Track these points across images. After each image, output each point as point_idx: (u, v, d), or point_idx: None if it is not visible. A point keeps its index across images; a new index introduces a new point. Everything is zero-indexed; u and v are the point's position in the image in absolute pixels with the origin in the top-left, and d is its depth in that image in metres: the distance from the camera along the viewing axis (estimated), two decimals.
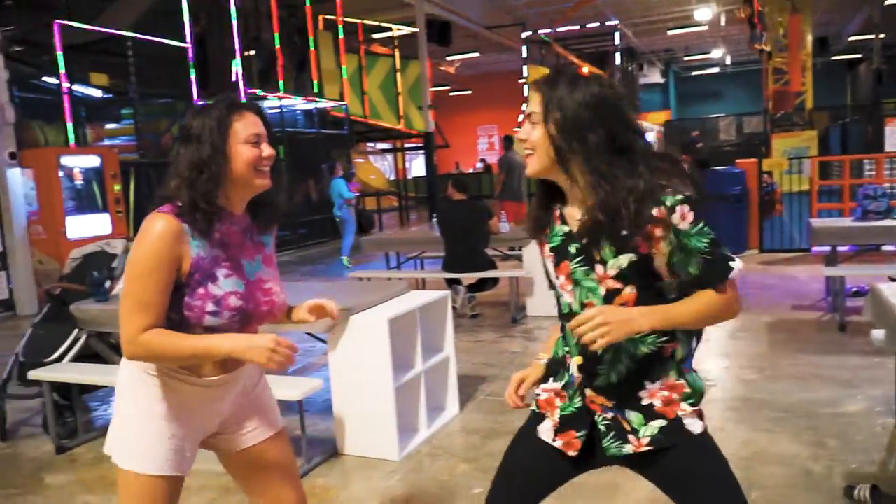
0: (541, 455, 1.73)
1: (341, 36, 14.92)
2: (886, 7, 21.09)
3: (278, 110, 13.55)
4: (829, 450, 3.43)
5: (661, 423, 1.59)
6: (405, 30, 17.34)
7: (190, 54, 11.30)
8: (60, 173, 8.58)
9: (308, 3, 13.75)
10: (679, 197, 1.49)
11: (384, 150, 23.52)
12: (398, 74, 17.50)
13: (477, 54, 24.22)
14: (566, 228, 1.63)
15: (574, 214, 1.61)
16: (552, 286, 1.71)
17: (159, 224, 1.70)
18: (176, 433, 1.81)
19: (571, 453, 1.69)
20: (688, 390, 1.61)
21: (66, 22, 9.16)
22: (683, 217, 1.49)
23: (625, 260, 1.52)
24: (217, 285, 1.74)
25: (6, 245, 8.57)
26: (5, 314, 8.57)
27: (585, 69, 23.02)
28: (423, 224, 16.80)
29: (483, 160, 27.76)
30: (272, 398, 2.07)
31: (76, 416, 4.27)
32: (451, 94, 30.66)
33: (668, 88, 35.69)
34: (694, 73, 35.89)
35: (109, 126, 11.74)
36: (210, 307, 1.72)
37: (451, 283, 6.92)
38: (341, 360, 3.67)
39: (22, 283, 8.62)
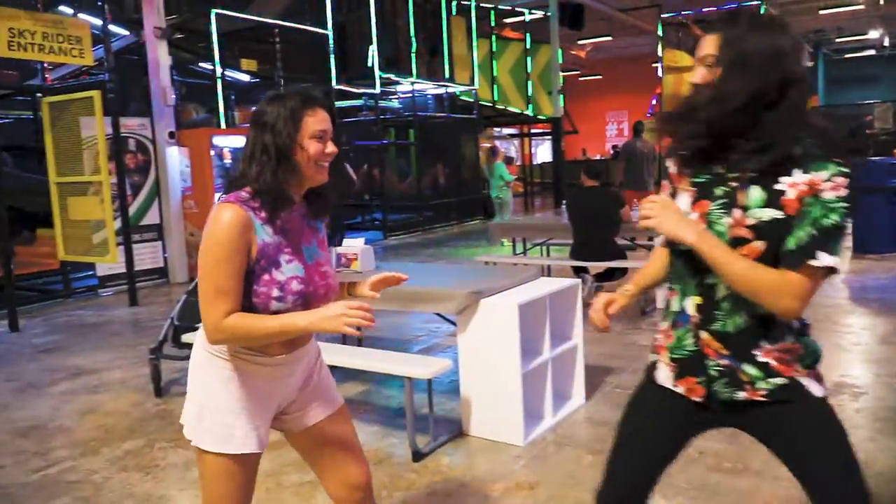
0: (664, 404, 1.69)
1: (474, 21, 14.93)
2: None
3: (410, 95, 13.78)
4: None
5: (780, 380, 1.57)
6: (537, 13, 17.12)
7: (330, 41, 11.68)
8: (212, 153, 9.14)
9: None
10: (843, 169, 1.45)
11: (511, 136, 23.44)
12: (528, 59, 17.35)
13: (609, 38, 23.57)
14: (719, 169, 1.58)
15: (733, 157, 1.55)
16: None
17: (227, 214, 1.74)
18: (249, 412, 1.86)
19: (696, 399, 1.64)
20: (803, 352, 1.59)
21: (221, 11, 9.71)
22: (835, 188, 1.44)
23: (768, 214, 1.49)
24: (280, 271, 1.78)
25: (162, 217, 9.24)
26: (160, 281, 9.27)
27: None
28: (547, 210, 16.64)
29: (614, 146, 27.03)
30: (330, 378, 2.11)
31: None
32: (581, 78, 30.04)
33: (816, 72, 33.33)
34: (847, 56, 33.25)
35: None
36: (275, 293, 1.77)
37: (579, 272, 6.81)
38: (470, 343, 3.70)
39: (175, 253, 9.29)
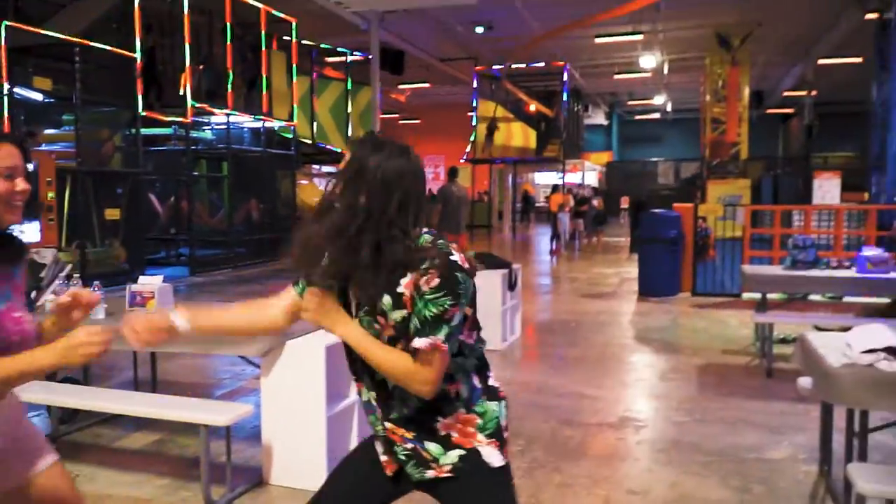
0: (371, 465, 1.83)
1: (294, 57, 14.83)
2: (819, 66, 22.18)
3: (224, 127, 13.33)
4: (754, 495, 3.47)
5: (459, 451, 1.71)
6: (359, 55, 17.37)
7: (138, 65, 11.05)
8: None
9: (262, 22, 13.64)
10: (435, 261, 1.61)
11: (330, 174, 23.39)
12: (349, 99, 17.49)
13: (428, 85, 24.44)
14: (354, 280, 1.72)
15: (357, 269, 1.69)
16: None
17: None
18: None
19: (388, 473, 1.80)
20: (480, 421, 1.72)
21: (13, 24, 8.86)
22: (429, 281, 1.60)
23: (398, 315, 1.64)
24: None
25: None
26: None
27: (532, 107, 23.49)
28: None
29: (429, 190, 27.89)
30: (37, 430, 1.99)
31: None
32: (401, 122, 30.82)
33: (611, 130, 36.69)
34: (637, 118, 36.98)
35: (49, 131, 11.34)
36: None
37: None
38: (274, 386, 3.56)
39: None
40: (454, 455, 1.70)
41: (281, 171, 15.23)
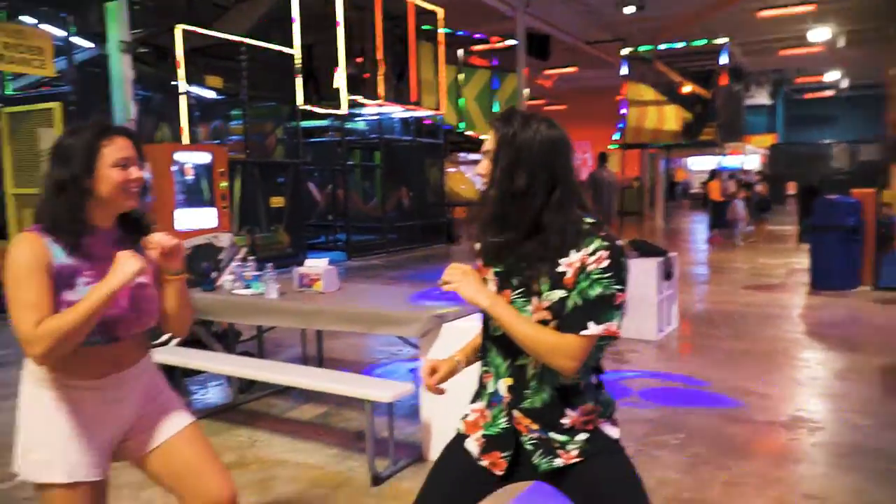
0: (468, 470, 1.82)
1: (441, 47, 15.08)
2: None
3: (376, 117, 13.81)
4: None
5: (583, 435, 1.73)
6: (504, 42, 17.37)
7: (297, 61, 11.68)
8: (174, 168, 9.02)
9: (410, 14, 13.97)
10: (605, 243, 1.61)
11: (476, 161, 23.62)
12: (495, 86, 17.55)
13: (575, 69, 24.00)
14: (511, 260, 1.72)
15: (518, 247, 1.71)
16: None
17: (20, 240, 1.86)
18: (79, 440, 1.91)
19: (498, 472, 1.78)
20: (602, 409, 1.76)
21: (187, 27, 9.64)
22: (598, 261, 1.60)
23: (557, 295, 1.64)
24: (74, 291, 1.85)
25: None
26: None
27: (687, 88, 22.45)
28: None
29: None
30: (174, 395, 2.15)
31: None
32: (547, 108, 30.49)
33: (775, 110, 34.30)
34: (806, 96, 34.26)
35: (220, 126, 12.27)
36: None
37: None
38: None
39: None
40: (580, 439, 1.72)
41: (429, 160, 15.59)
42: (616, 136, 21.88)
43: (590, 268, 1.60)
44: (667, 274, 6.67)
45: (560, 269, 1.63)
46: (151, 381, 2.10)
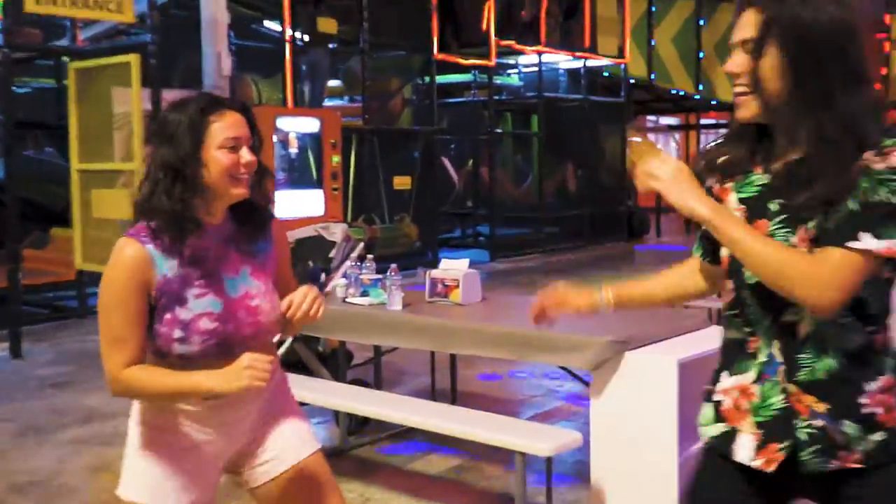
0: (742, 493, 1.79)
1: None
2: None
3: (535, 69, 13.80)
4: None
5: (880, 435, 1.66)
6: None
7: None
8: (275, 138, 9.41)
9: None
10: None
11: (671, 127, 23.11)
12: (702, 21, 17.07)
13: None
14: (766, 179, 1.72)
15: (787, 164, 1.69)
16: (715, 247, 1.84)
17: (121, 252, 2.03)
18: (181, 469, 2.17)
19: (771, 470, 1.72)
20: None
21: None
22: (886, 158, 1.57)
23: (832, 216, 1.61)
24: (186, 308, 2.04)
25: None
26: None
27: None
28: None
29: None
30: (300, 416, 2.40)
31: None
32: None
33: None
34: None
35: (332, 83, 12.68)
36: (177, 333, 2.04)
37: None
38: (607, 411, 3.60)
39: None
40: (874, 439, 1.66)
41: (606, 126, 15.41)
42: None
43: (876, 166, 1.58)
44: None
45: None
46: (274, 393, 2.32)
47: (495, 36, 12.55)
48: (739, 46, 1.69)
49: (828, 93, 1.61)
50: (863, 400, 1.66)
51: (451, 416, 3.95)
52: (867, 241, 1.55)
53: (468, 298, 4.32)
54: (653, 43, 16.31)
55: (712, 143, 1.88)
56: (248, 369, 1.95)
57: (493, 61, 12.71)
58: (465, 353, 4.16)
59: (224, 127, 2.03)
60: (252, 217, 2.19)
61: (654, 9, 16.33)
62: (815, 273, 1.58)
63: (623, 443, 3.58)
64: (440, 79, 12.73)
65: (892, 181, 1.56)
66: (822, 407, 1.67)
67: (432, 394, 5.49)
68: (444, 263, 4.57)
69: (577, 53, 14.19)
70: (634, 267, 11.11)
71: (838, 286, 1.57)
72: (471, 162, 14.72)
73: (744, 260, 1.65)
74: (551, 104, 14.44)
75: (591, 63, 14.68)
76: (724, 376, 1.83)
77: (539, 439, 3.50)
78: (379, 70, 12.20)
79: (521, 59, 14.22)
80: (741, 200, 1.76)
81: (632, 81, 15.69)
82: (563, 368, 4.18)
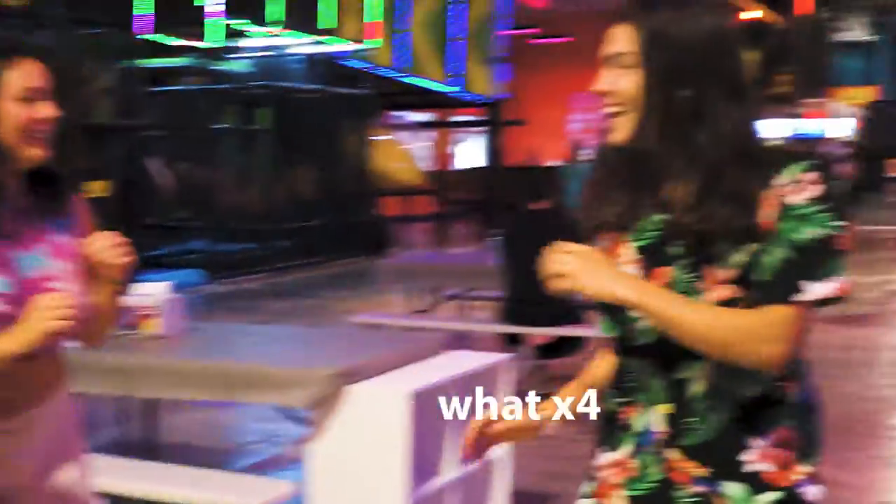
0: None
1: None
2: None
3: (264, 54, 13.76)
4: None
5: (772, 496, 1.70)
6: None
7: None
8: None
9: None
10: (812, 163, 1.64)
11: (422, 125, 23.69)
12: (456, 7, 17.64)
13: None
14: (660, 220, 1.75)
15: (676, 197, 1.72)
16: (615, 308, 1.79)
17: None
18: None
19: None
20: (805, 440, 1.75)
21: None
22: (802, 188, 1.62)
23: (744, 255, 1.66)
24: None
25: None
26: None
27: (751, 14, 22.97)
28: (471, 244, 16.75)
29: (579, 148, 27.74)
30: (84, 457, 2.35)
31: None
32: (538, 41, 30.78)
33: (877, 52, 35.19)
34: None
35: None
36: None
37: (512, 342, 6.89)
38: (330, 454, 3.65)
39: None
40: (764, 500, 1.70)
41: (348, 122, 15.58)
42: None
43: (792, 200, 1.62)
44: None
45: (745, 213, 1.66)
46: (63, 424, 2.26)
47: (217, 13, 12.42)
48: (610, 62, 1.74)
49: (706, 111, 1.67)
50: (747, 457, 1.70)
51: (144, 475, 3.87)
52: (813, 290, 1.60)
53: (170, 329, 4.26)
54: (403, 28, 16.68)
55: (588, 195, 1.89)
56: (47, 310, 1.94)
57: (214, 43, 12.55)
58: (161, 397, 4.09)
59: (19, 76, 2.04)
60: (51, 187, 2.17)
61: None
62: (760, 330, 1.62)
63: (348, 488, 3.63)
64: (149, 63, 12.45)
65: (815, 214, 1.60)
66: (703, 471, 1.72)
67: (124, 446, 5.34)
68: (141, 286, 4.47)
69: (315, 37, 14.27)
70: (376, 287, 11.29)
71: (791, 339, 1.62)
72: (186, 163, 14.43)
73: (684, 337, 1.65)
74: (284, 95, 14.43)
75: (331, 49, 14.81)
76: (601, 453, 1.86)
77: (246, 492, 3.50)
78: (69, 49, 11.75)
79: (249, 42, 14.13)
80: (639, 250, 1.78)
81: (377, 72, 15.96)
82: (281, 409, 4.21)
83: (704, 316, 1.63)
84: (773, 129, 30.35)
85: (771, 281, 1.62)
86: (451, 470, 3.83)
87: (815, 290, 1.60)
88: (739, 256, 1.65)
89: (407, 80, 17.03)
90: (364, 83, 15.51)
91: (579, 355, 6.85)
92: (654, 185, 1.76)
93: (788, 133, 22.62)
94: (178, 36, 12.48)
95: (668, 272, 1.71)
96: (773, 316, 1.61)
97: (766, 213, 1.63)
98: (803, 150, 1.69)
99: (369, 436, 3.57)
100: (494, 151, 17.77)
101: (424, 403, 3.69)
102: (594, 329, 6.56)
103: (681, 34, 1.68)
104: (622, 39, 1.72)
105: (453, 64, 17.64)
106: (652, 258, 1.75)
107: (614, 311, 1.77)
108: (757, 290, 1.64)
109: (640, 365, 1.78)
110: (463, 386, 3.87)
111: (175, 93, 14.15)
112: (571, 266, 1.66)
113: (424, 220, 20.11)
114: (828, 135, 27.67)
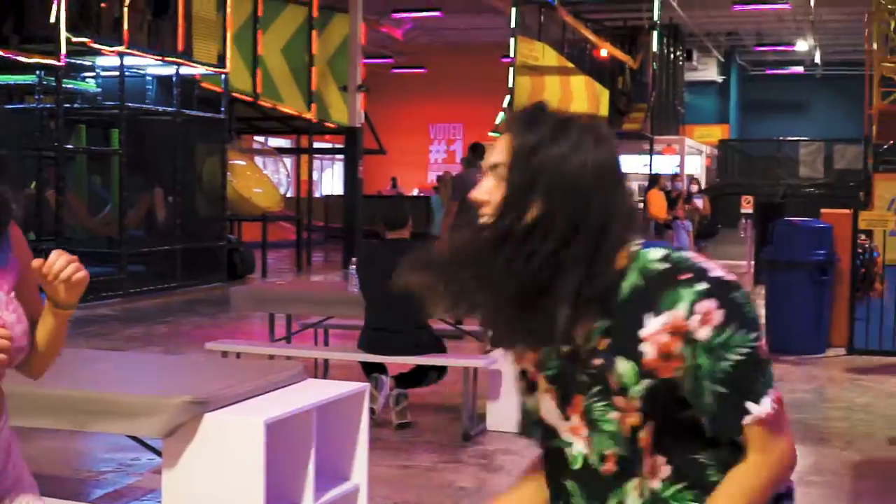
0: None
1: None
2: None
3: (116, 75, 13.50)
4: None
5: None
6: None
7: None
8: None
9: None
10: (700, 288, 1.64)
11: (281, 150, 23.55)
12: (314, 34, 17.63)
13: (439, 13, 24.57)
14: (565, 347, 1.74)
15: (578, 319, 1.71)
16: (542, 429, 1.83)
17: None
18: None
19: None
20: None
21: None
22: (706, 320, 1.63)
23: (645, 385, 1.66)
24: None
25: None
26: None
27: (604, 52, 23.58)
28: (333, 272, 16.72)
29: (439, 177, 28.09)
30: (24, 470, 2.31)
31: None
32: (396, 70, 30.99)
33: (727, 91, 36.52)
34: (768, 72, 36.73)
35: None
36: None
37: (372, 371, 6.90)
38: (183, 485, 3.62)
39: None
40: None
41: (204, 146, 15.40)
42: (500, 120, 22.50)
43: (700, 336, 1.62)
44: None
45: (641, 346, 1.65)
46: (4, 457, 2.19)
47: (67, 31, 12.13)
48: (490, 171, 1.73)
49: (549, 236, 1.64)
50: None
51: None
52: (759, 406, 1.64)
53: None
54: (259, 53, 16.58)
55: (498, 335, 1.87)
56: None
57: (62, 61, 12.25)
58: (11, 426, 3.97)
59: None
60: None
61: (260, 14, 16.62)
62: (768, 467, 1.69)
63: None
64: None
65: (726, 345, 1.62)
66: None
67: None
68: None
69: (169, 58, 14.07)
70: (233, 314, 11.18)
71: (789, 456, 1.72)
72: (33, 184, 14.00)
73: None
74: (136, 116, 14.17)
75: (186, 70, 14.61)
76: None
77: None
78: None
79: (100, 61, 13.84)
80: (548, 379, 1.78)
81: (235, 95, 15.82)
82: (133, 438, 4.13)
83: (738, 492, 1.67)
84: (627, 165, 31.10)
85: (722, 417, 1.65)
86: (309, 498, 3.83)
87: (761, 406, 1.63)
88: (642, 385, 1.65)
89: (265, 104, 16.88)
90: (221, 107, 15.33)
91: (436, 383, 6.93)
92: (533, 307, 1.71)
93: (642, 169, 23.22)
94: (26, 53, 12.12)
95: (581, 400, 1.73)
96: (761, 442, 1.66)
97: (665, 349, 1.64)
98: (682, 270, 1.67)
99: (225, 465, 3.55)
100: (354, 179, 17.75)
101: (282, 433, 3.69)
102: (453, 358, 6.66)
103: (547, 158, 1.66)
104: (500, 150, 1.72)
105: (311, 90, 17.59)
106: (565, 387, 1.75)
107: (558, 442, 1.79)
108: (715, 425, 1.67)
109: (579, 490, 1.78)
110: (320, 415, 3.89)
111: (23, 111, 13.75)
112: None
113: (284, 246, 19.99)
114: (680, 171, 28.62)
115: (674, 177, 23.97)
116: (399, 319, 6.49)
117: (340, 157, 20.13)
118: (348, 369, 7.37)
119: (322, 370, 7.72)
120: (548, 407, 1.80)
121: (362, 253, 7.07)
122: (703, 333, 1.62)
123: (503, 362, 6.49)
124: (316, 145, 20.33)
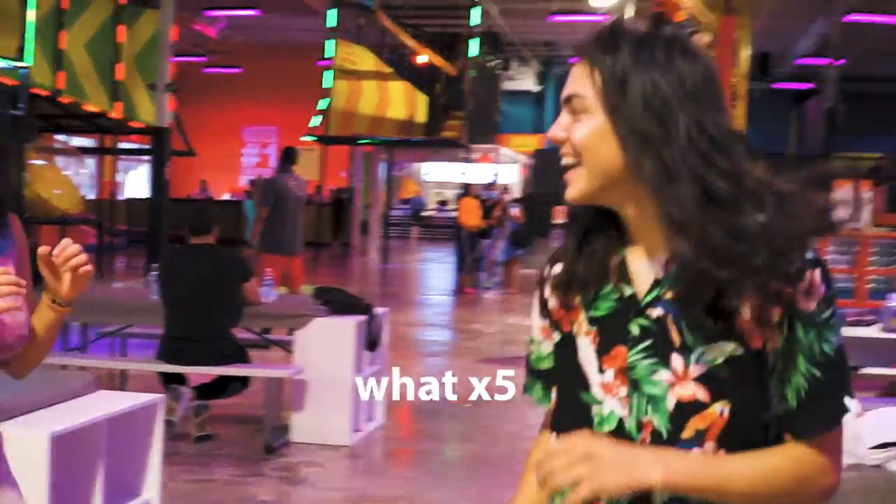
0: None
1: None
2: (846, 25, 23.39)
3: None
4: None
5: None
6: None
7: None
8: None
9: None
10: (810, 255, 1.44)
11: (84, 150, 22.86)
12: (121, 29, 17.25)
13: (254, 12, 24.40)
14: (628, 290, 1.53)
15: (643, 267, 1.53)
16: (567, 383, 1.61)
17: None
18: None
19: None
20: None
21: None
22: (811, 289, 1.42)
23: (722, 353, 1.44)
24: None
25: None
26: None
27: (423, 57, 23.84)
28: (134, 278, 16.29)
29: (252, 181, 27.78)
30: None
31: None
32: (208, 70, 30.55)
33: (544, 100, 37.45)
34: None
35: None
36: None
37: (170, 382, 6.81)
38: None
39: None
40: None
41: (1, 144, 14.89)
42: (314, 123, 22.47)
43: (807, 307, 1.41)
44: (370, 343, 7.01)
45: (728, 299, 1.40)
46: None
47: None
48: (566, 104, 1.53)
49: (677, 167, 1.41)
50: None
51: None
52: (852, 406, 1.44)
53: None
54: (62, 48, 16.10)
55: (559, 261, 1.62)
56: None
57: None
58: None
59: None
60: None
61: (63, 7, 16.14)
62: (813, 470, 1.44)
63: None
64: None
65: (829, 325, 1.42)
66: None
67: None
68: None
69: None
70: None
71: (836, 467, 1.47)
72: None
73: (730, 497, 1.42)
74: None
75: None
76: None
77: None
78: None
79: None
80: (591, 320, 1.55)
81: (36, 92, 15.29)
82: None
83: (752, 475, 1.42)
84: (448, 172, 31.63)
85: (808, 407, 1.43)
86: None
87: (853, 406, 1.45)
88: (720, 350, 1.43)
89: (67, 102, 16.38)
90: (20, 103, 14.81)
91: (238, 395, 6.89)
92: (621, 247, 1.55)
93: (463, 177, 23.59)
94: None
95: (623, 352, 1.50)
96: (821, 446, 1.44)
97: (761, 311, 1.41)
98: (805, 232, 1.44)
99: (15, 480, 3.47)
100: (160, 182, 17.38)
101: (69, 447, 3.62)
102: (258, 368, 6.64)
103: (647, 78, 1.44)
104: (580, 79, 1.51)
105: (117, 88, 17.17)
106: (608, 333, 1.53)
107: (586, 397, 1.55)
108: (789, 420, 1.45)
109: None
110: (112, 427, 3.84)
111: None
112: (580, 466, 1.36)
113: (84, 251, 19.35)
114: (496, 180, 29.23)
115: (489, 185, 24.46)
116: (201, 328, 6.44)
117: (147, 158, 19.62)
118: (148, 380, 7.24)
119: (120, 380, 7.58)
120: (585, 352, 1.56)
121: (164, 258, 6.96)
122: (809, 305, 1.41)
123: (308, 372, 6.54)
124: (122, 146, 19.88)
